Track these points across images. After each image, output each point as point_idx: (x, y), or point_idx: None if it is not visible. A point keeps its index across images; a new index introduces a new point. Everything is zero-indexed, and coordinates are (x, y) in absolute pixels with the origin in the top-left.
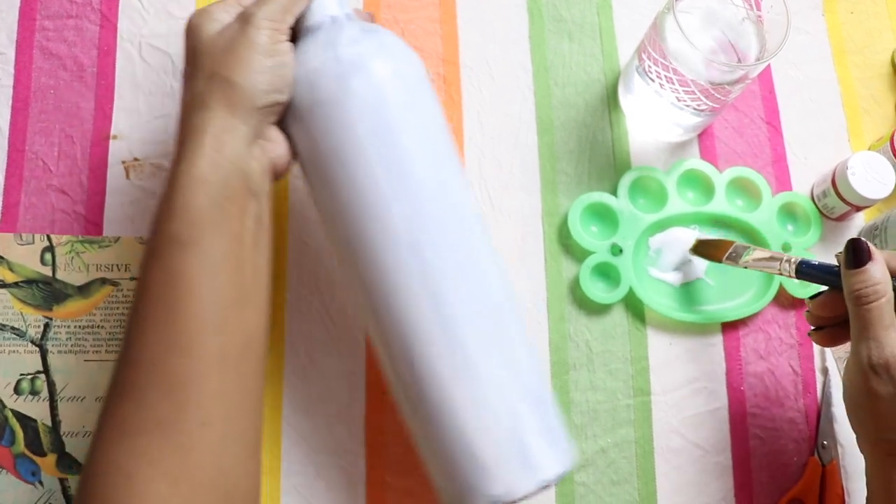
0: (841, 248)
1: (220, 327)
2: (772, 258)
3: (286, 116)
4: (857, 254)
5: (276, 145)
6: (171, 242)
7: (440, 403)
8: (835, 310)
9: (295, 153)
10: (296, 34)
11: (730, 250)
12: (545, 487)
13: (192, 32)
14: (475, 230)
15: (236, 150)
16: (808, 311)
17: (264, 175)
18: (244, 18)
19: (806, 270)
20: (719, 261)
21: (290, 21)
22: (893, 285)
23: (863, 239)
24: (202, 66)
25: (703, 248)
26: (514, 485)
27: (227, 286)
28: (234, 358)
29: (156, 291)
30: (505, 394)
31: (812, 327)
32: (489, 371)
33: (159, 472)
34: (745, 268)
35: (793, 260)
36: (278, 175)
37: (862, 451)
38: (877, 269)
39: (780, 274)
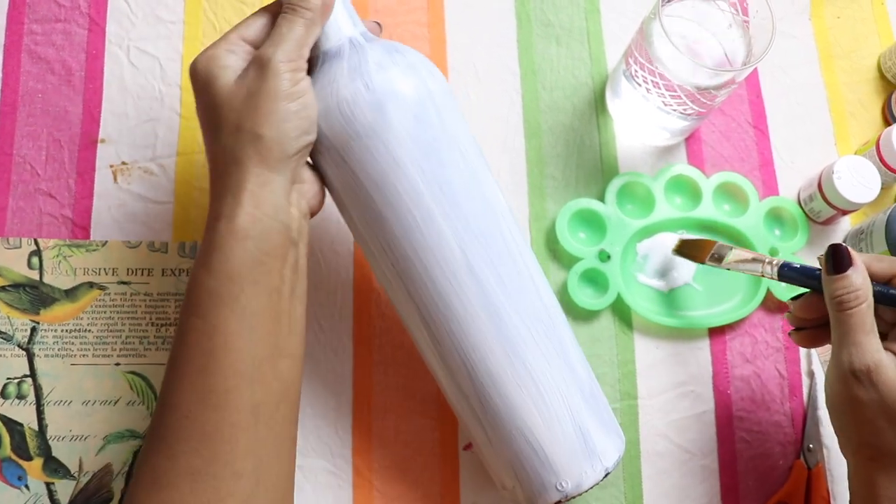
0: None
1: (254, 380)
2: (754, 260)
3: (316, 150)
4: (837, 260)
5: (311, 185)
6: (210, 296)
7: (505, 411)
8: (816, 312)
9: (327, 185)
10: (311, 60)
11: (712, 250)
12: (606, 475)
13: (205, 83)
14: (517, 238)
15: (276, 203)
16: (788, 313)
17: (303, 220)
18: (261, 64)
19: (788, 273)
20: (702, 262)
21: (307, 54)
22: (874, 290)
23: (843, 244)
24: (225, 119)
25: (686, 249)
26: (582, 477)
27: (263, 339)
28: (268, 409)
29: (192, 343)
30: (564, 394)
31: (792, 328)
32: (548, 374)
33: None
34: (728, 269)
35: (775, 262)
36: (313, 213)
37: (844, 456)
38: (857, 275)
39: (763, 276)
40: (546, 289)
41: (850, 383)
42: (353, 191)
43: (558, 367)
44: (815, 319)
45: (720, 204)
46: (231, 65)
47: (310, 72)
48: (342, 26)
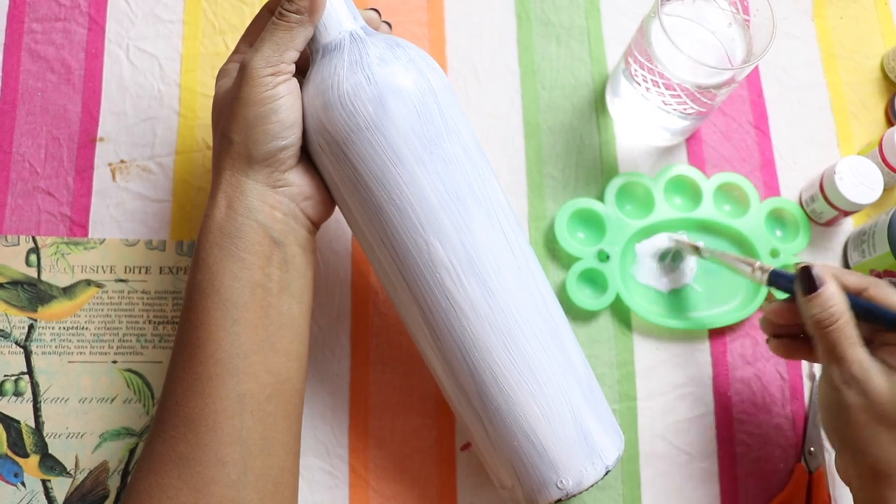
0: (830, 253)
1: (239, 370)
2: (744, 262)
3: (317, 147)
4: (807, 281)
5: (301, 188)
6: (196, 289)
7: (506, 408)
8: (791, 318)
9: (328, 183)
10: (310, 54)
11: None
12: (607, 473)
13: (215, 92)
14: (517, 233)
15: (249, 205)
16: (762, 318)
17: (288, 222)
18: (241, 69)
19: (777, 281)
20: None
21: (292, 56)
22: (851, 304)
23: (812, 266)
24: (216, 125)
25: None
26: (583, 475)
27: (248, 332)
28: (257, 401)
29: (183, 334)
30: (565, 391)
31: (769, 335)
32: (549, 371)
33: None
34: (712, 260)
35: (765, 268)
36: (315, 217)
37: (847, 482)
38: (831, 293)
39: (753, 279)
40: (545, 284)
41: (842, 392)
42: (354, 185)
43: (559, 364)
44: (790, 326)
45: (720, 205)
46: (231, 72)
47: (307, 69)
48: (342, 20)
